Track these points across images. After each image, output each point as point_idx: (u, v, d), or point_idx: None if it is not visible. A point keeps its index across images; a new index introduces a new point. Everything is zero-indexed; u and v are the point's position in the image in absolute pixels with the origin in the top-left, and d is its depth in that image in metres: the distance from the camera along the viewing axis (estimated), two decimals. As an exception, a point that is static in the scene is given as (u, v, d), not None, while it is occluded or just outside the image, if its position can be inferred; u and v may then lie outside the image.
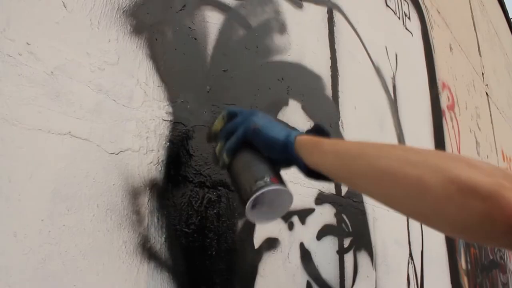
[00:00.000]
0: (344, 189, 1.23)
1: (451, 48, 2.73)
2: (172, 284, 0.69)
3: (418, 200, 0.46)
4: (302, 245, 1.01)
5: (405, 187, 0.47)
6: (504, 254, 3.30)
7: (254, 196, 0.57)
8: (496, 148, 3.57)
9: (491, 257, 2.90)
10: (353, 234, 1.23)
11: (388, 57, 1.73)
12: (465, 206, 0.42)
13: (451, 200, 0.43)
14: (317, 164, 0.58)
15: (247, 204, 0.58)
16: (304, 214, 1.04)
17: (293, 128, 0.64)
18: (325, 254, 1.09)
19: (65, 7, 0.61)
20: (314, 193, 1.09)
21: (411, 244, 1.64)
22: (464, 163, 0.44)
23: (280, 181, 0.60)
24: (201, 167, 0.78)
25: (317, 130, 0.62)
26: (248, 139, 0.63)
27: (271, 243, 0.92)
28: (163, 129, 0.73)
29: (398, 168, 0.47)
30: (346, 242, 1.20)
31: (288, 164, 0.63)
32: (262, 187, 0.57)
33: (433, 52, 2.31)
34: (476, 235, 0.43)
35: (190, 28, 0.82)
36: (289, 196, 0.61)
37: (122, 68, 0.68)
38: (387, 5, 1.83)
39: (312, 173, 0.60)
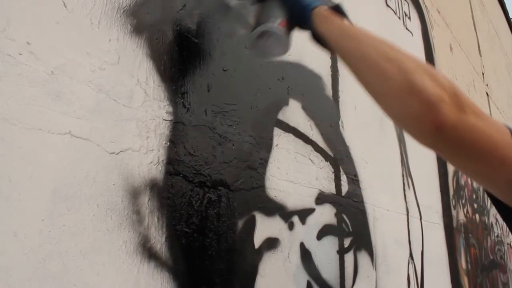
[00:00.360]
0: (344, 189, 1.23)
1: (451, 48, 2.72)
2: (172, 284, 0.69)
3: (378, 85, 0.59)
4: (302, 245, 1.01)
5: (373, 72, 0.59)
6: (504, 254, 3.30)
7: (258, 29, 0.67)
8: (496, 148, 3.56)
9: (491, 257, 2.90)
10: (353, 234, 1.23)
11: (388, 57, 1.73)
12: (406, 102, 0.54)
13: (399, 93, 0.55)
14: (324, 32, 0.69)
15: (249, 38, 0.68)
16: (304, 214, 1.04)
17: None
18: (325, 254, 1.09)
19: (66, 7, 0.61)
20: (315, 193, 1.09)
21: (411, 244, 1.64)
22: (428, 74, 0.54)
23: (287, 27, 0.70)
24: (201, 167, 0.78)
25: (337, 9, 0.71)
26: None
27: (271, 243, 0.92)
28: (163, 129, 0.73)
29: (375, 57, 0.59)
30: (346, 242, 1.20)
31: (302, 23, 0.73)
32: (269, 26, 0.67)
33: (433, 52, 2.31)
34: (408, 128, 0.56)
35: (190, 27, 0.82)
36: (286, 43, 0.72)
37: (122, 67, 0.68)
38: (387, 5, 1.83)
39: (316, 39, 0.72)
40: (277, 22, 0.68)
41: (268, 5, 0.71)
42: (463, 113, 0.53)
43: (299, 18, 0.72)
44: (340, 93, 1.30)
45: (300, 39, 1.15)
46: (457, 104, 0.53)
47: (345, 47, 0.66)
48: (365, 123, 1.43)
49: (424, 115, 0.52)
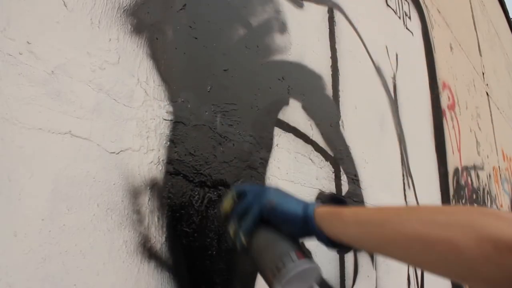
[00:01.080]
0: (344, 189, 1.23)
1: (451, 48, 2.72)
2: (172, 284, 0.69)
3: (453, 262, 0.44)
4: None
5: (437, 251, 0.45)
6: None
7: (286, 277, 0.54)
8: (496, 148, 3.57)
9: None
10: (354, 233, 1.23)
11: (389, 57, 1.73)
12: (504, 263, 0.41)
13: (488, 259, 0.41)
14: (340, 235, 0.56)
15: (281, 284, 0.55)
16: (304, 214, 1.04)
17: (308, 201, 0.62)
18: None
19: (66, 6, 0.61)
20: (315, 193, 1.09)
21: (412, 244, 1.63)
22: (493, 216, 0.43)
23: (305, 255, 0.57)
24: (202, 167, 0.78)
25: (334, 199, 0.61)
26: (264, 217, 0.61)
27: (272, 243, 0.92)
28: (164, 129, 0.73)
29: (427, 232, 0.46)
30: (347, 241, 1.19)
31: (308, 236, 0.60)
32: (291, 267, 0.55)
33: (433, 52, 2.31)
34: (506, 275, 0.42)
35: (190, 27, 0.82)
36: (316, 271, 0.58)
37: (122, 67, 0.68)
38: (387, 5, 1.83)
39: (335, 244, 0.58)
40: (294, 258, 0.56)
41: (268, 245, 0.59)
42: None
43: (302, 230, 0.60)
44: (341, 93, 1.30)
45: (301, 38, 1.15)
46: None
47: (378, 239, 0.52)
48: (365, 123, 1.43)
49: None
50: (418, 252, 0.47)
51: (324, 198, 0.60)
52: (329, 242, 0.58)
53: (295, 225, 0.59)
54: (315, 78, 1.19)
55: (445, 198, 2.08)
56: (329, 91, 1.26)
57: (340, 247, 0.59)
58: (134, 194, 0.66)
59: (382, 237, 0.51)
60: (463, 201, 2.42)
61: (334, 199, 0.59)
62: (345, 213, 0.56)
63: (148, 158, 0.69)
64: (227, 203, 0.66)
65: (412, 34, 2.07)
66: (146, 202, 0.67)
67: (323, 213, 0.58)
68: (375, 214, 0.53)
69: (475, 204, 2.70)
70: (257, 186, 0.64)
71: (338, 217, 0.56)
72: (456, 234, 0.43)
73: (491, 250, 0.41)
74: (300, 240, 0.62)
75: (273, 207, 0.60)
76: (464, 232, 0.43)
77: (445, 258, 0.44)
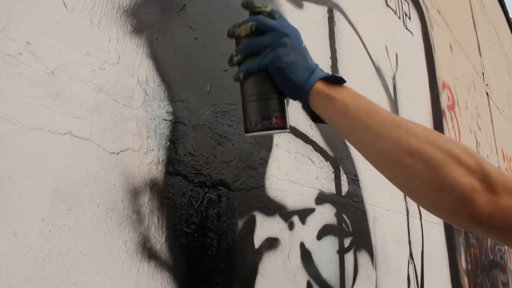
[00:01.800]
0: (344, 189, 1.23)
1: (451, 48, 2.72)
2: (172, 284, 0.69)
3: (403, 182, 0.56)
4: (302, 245, 1.01)
5: (395, 169, 0.56)
6: (504, 254, 3.30)
7: (257, 133, 0.64)
8: (496, 148, 3.57)
9: (491, 257, 2.90)
10: (354, 234, 1.23)
11: (389, 57, 1.73)
12: (439, 200, 0.52)
13: (429, 193, 0.53)
14: (326, 118, 0.62)
15: (247, 134, 0.66)
16: (304, 214, 1.04)
17: (315, 66, 0.65)
18: (325, 254, 1.09)
19: (66, 7, 0.61)
20: (315, 193, 1.09)
21: (411, 244, 1.64)
22: (455, 160, 0.51)
23: (283, 121, 0.64)
24: (201, 167, 0.78)
25: (336, 78, 0.63)
26: (268, 71, 0.64)
27: (272, 243, 0.92)
28: (164, 129, 0.73)
29: (395, 153, 0.54)
30: (347, 242, 1.20)
31: (297, 101, 0.65)
32: (266, 128, 0.63)
33: (433, 52, 2.31)
34: (444, 219, 0.56)
35: (190, 27, 0.82)
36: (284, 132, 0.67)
37: (122, 67, 0.68)
38: (387, 5, 1.83)
39: (316, 118, 0.64)
40: (273, 120, 0.64)
41: (259, 94, 0.65)
42: (497, 197, 0.50)
43: (294, 98, 0.65)
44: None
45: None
46: (489, 188, 0.50)
47: (357, 139, 0.60)
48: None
49: (459, 210, 0.51)
50: (382, 163, 0.58)
51: (328, 76, 0.63)
52: (312, 115, 0.64)
53: (291, 90, 0.63)
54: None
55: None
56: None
57: (320, 121, 0.65)
58: (134, 194, 0.66)
59: (361, 140, 0.59)
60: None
61: (336, 79, 0.63)
62: (337, 102, 0.60)
63: (148, 158, 0.69)
64: (244, 29, 0.66)
65: (412, 34, 2.07)
66: (146, 202, 0.67)
67: (319, 92, 0.61)
68: (363, 116, 0.58)
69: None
70: (279, 32, 0.64)
71: (331, 103, 0.60)
72: (417, 164, 0.53)
73: (436, 186, 0.52)
74: (287, 101, 0.67)
75: (281, 68, 0.62)
76: (424, 165, 0.52)
77: (401, 176, 0.56)
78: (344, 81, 0.63)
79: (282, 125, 0.64)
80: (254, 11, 0.67)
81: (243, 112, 0.66)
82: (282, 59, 0.62)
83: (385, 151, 0.56)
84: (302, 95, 0.62)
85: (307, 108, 0.63)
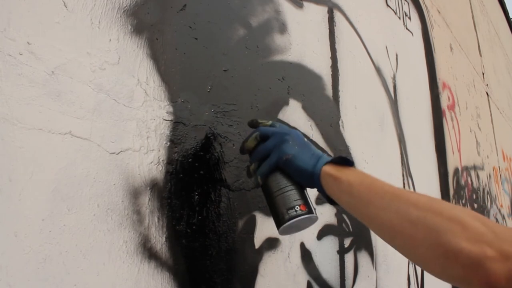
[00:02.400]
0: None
1: (451, 48, 2.73)
2: (172, 284, 0.69)
3: (410, 252, 0.56)
4: (302, 245, 1.01)
5: (400, 240, 0.56)
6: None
7: (286, 224, 0.68)
8: (496, 148, 3.58)
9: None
10: (354, 234, 1.23)
11: (389, 57, 1.73)
12: (447, 269, 0.50)
13: (436, 261, 0.51)
14: (335, 197, 0.67)
15: (279, 229, 0.70)
16: (304, 214, 1.04)
17: (321, 154, 0.71)
18: (325, 254, 1.09)
19: (66, 7, 0.61)
20: (315, 193, 1.09)
21: (412, 244, 1.63)
22: (460, 226, 0.50)
23: (308, 207, 0.70)
24: (202, 167, 0.78)
25: (343, 160, 0.68)
26: (279, 166, 0.72)
27: (272, 243, 0.92)
28: (164, 129, 0.73)
29: (397, 224, 0.56)
30: (347, 242, 1.20)
31: (313, 187, 0.71)
32: (293, 216, 0.68)
33: (433, 52, 2.31)
34: (460, 285, 0.50)
35: (190, 27, 0.82)
36: (314, 219, 0.72)
37: (122, 67, 0.68)
38: (387, 5, 1.83)
39: (331, 200, 0.69)
40: (297, 208, 0.69)
41: (278, 190, 0.71)
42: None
43: (309, 185, 0.71)
44: (340, 93, 1.30)
45: (300, 39, 1.15)
46: (503, 253, 0.47)
47: (361, 215, 0.63)
48: (365, 123, 1.43)
49: (471, 278, 0.48)
50: (387, 235, 0.60)
51: (335, 158, 0.68)
52: (327, 198, 0.70)
53: (304, 177, 0.70)
54: (315, 78, 1.19)
55: (445, 198, 2.08)
56: (329, 91, 1.26)
57: (335, 204, 0.70)
58: (134, 194, 0.66)
59: (364, 214, 0.62)
60: (463, 201, 2.42)
61: (344, 160, 0.68)
62: (343, 182, 0.65)
63: (148, 158, 0.69)
64: (251, 141, 0.75)
65: (412, 34, 2.07)
66: (146, 202, 0.67)
67: (327, 174, 0.67)
68: (365, 192, 0.62)
69: (475, 205, 2.70)
70: (280, 133, 0.73)
71: (337, 183, 0.66)
72: (418, 233, 0.53)
73: (440, 254, 0.50)
74: (308, 188, 0.73)
75: (289, 160, 0.70)
76: (426, 232, 0.52)
77: (405, 246, 0.56)
78: (352, 163, 0.68)
79: (307, 210, 0.69)
80: (247, 147, 0.76)
81: (272, 212, 0.72)
82: (287, 151, 0.70)
83: (388, 223, 0.57)
84: (314, 180, 0.68)
85: (322, 191, 0.69)
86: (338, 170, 0.67)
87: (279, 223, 0.70)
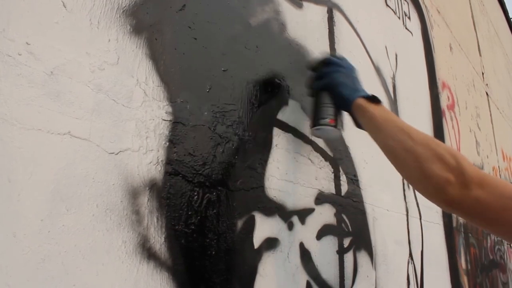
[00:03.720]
0: (344, 189, 1.23)
1: (451, 48, 2.73)
2: (171, 284, 0.69)
3: (403, 172, 0.79)
4: (301, 245, 1.01)
5: (398, 161, 0.78)
6: (504, 254, 3.30)
7: (314, 127, 0.97)
8: (496, 148, 3.58)
9: (491, 257, 2.90)
10: (353, 234, 1.23)
11: (388, 57, 1.73)
12: (425, 187, 0.74)
13: (419, 180, 0.74)
14: (360, 123, 0.89)
15: (311, 130, 1.01)
16: (304, 214, 1.04)
17: (361, 89, 0.92)
18: (324, 254, 1.10)
19: (65, 7, 0.61)
20: (314, 193, 1.09)
21: (411, 243, 1.64)
22: (437, 158, 0.71)
23: (336, 123, 0.95)
24: (201, 167, 0.78)
25: (373, 99, 0.87)
26: (328, 88, 0.94)
27: (271, 243, 0.92)
28: (163, 129, 0.73)
29: (397, 150, 0.77)
30: (346, 242, 1.20)
31: (346, 111, 0.93)
32: (321, 124, 0.95)
33: (433, 52, 2.31)
34: (432, 202, 0.74)
35: (190, 27, 0.82)
36: (336, 132, 0.99)
37: (121, 68, 0.68)
38: (387, 5, 1.83)
39: (358, 126, 0.92)
40: (327, 120, 0.93)
41: (321, 103, 0.95)
42: (468, 190, 0.67)
43: (343, 108, 0.92)
44: (340, 93, 1.30)
45: (300, 39, 1.15)
46: (462, 182, 0.67)
47: (376, 139, 0.84)
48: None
49: (438, 195, 0.71)
50: (390, 157, 0.80)
51: (369, 95, 0.90)
52: (355, 122, 0.93)
53: (342, 102, 0.91)
54: (315, 78, 1.19)
55: (445, 198, 2.08)
56: (329, 91, 1.25)
57: (360, 127, 0.91)
58: (133, 194, 0.66)
59: (378, 139, 0.83)
60: (463, 201, 2.41)
61: (374, 99, 0.87)
62: (368, 112, 0.84)
63: (147, 158, 0.69)
64: (318, 63, 1.01)
65: (412, 34, 2.07)
66: (145, 202, 0.67)
67: (358, 105, 0.87)
68: (382, 123, 0.81)
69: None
70: (338, 64, 0.96)
71: (363, 114, 0.86)
72: (409, 158, 0.74)
73: (421, 175, 0.72)
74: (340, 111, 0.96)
75: (336, 85, 0.92)
76: (414, 159, 0.73)
77: (401, 166, 0.78)
78: (380, 101, 0.86)
79: (334, 124, 0.94)
80: (312, 66, 1.04)
81: (312, 115, 0.99)
82: (336, 79, 0.92)
83: (391, 148, 0.78)
84: (347, 106, 0.89)
85: (352, 116, 0.91)
86: (368, 103, 0.85)
87: (312, 125, 0.98)
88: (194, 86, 0.80)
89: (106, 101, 0.64)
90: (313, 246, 1.05)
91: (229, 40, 0.91)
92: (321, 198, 1.11)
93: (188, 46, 0.81)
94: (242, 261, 0.84)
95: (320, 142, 1.15)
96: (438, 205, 0.74)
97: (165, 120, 0.73)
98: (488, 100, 3.67)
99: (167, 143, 0.73)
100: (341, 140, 1.26)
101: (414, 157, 0.73)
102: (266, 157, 0.95)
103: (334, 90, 0.92)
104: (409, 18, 2.06)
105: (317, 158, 1.13)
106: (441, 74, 2.38)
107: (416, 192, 1.75)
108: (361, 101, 0.86)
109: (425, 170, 0.71)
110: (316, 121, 0.95)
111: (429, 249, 1.79)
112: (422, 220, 1.78)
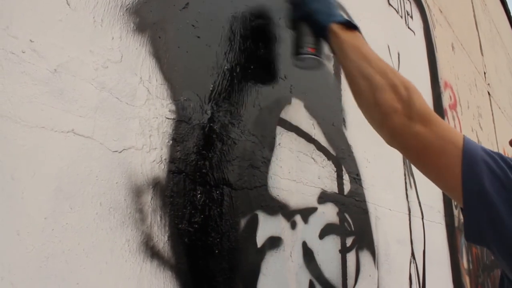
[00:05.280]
0: (346, 188, 1.22)
1: (453, 47, 2.72)
2: (175, 283, 0.68)
3: (357, 96, 0.79)
4: (304, 244, 1.01)
5: (355, 87, 0.79)
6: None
7: (294, 56, 0.92)
8: (498, 148, 3.57)
9: (493, 257, 2.90)
10: (356, 233, 1.23)
11: (391, 56, 1.73)
12: (373, 114, 0.75)
13: (369, 106, 0.75)
14: (333, 49, 0.86)
15: (292, 60, 0.95)
16: (306, 213, 1.04)
17: (336, 14, 0.88)
18: (327, 253, 1.09)
19: (69, 5, 0.61)
20: (317, 192, 1.09)
21: (413, 243, 1.63)
22: (391, 88, 0.72)
23: (317, 51, 0.91)
24: (204, 166, 0.78)
25: (348, 24, 0.84)
26: (304, 18, 0.91)
27: (274, 242, 0.92)
28: (166, 127, 0.73)
29: (356, 75, 0.77)
30: (349, 241, 1.19)
31: (322, 37, 0.89)
32: (301, 53, 0.91)
33: (435, 51, 2.30)
34: (376, 130, 0.77)
35: (193, 26, 0.82)
36: (317, 61, 0.93)
37: (125, 66, 0.67)
38: (389, 4, 1.82)
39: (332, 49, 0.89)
40: (306, 48, 0.90)
41: (300, 33, 0.92)
42: (411, 121, 0.68)
43: (320, 35, 0.89)
44: (343, 92, 1.30)
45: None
46: (408, 114, 0.69)
47: (342, 65, 0.83)
48: (367, 122, 1.42)
49: (382, 123, 0.73)
50: (349, 81, 0.80)
51: (344, 21, 0.86)
52: (331, 48, 0.88)
53: (318, 29, 0.88)
54: (317, 77, 1.19)
55: (447, 197, 2.08)
56: (331, 90, 1.25)
57: (333, 52, 0.88)
58: (137, 192, 0.66)
59: (343, 65, 0.82)
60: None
61: (350, 24, 0.84)
62: (339, 38, 0.82)
63: (150, 156, 0.69)
64: None
65: (414, 34, 2.07)
66: (149, 200, 0.67)
67: (332, 31, 0.84)
68: (349, 49, 0.80)
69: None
70: None
71: (335, 40, 0.83)
72: (365, 85, 0.75)
73: (373, 102, 0.73)
74: (319, 36, 0.90)
75: (311, 13, 0.88)
76: (370, 86, 0.74)
77: (357, 90, 0.78)
78: (357, 28, 0.83)
79: (315, 53, 0.91)
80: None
81: (292, 43, 0.94)
82: (310, 6, 0.88)
83: (351, 73, 0.78)
84: (324, 32, 0.86)
85: (328, 43, 0.87)
86: (342, 30, 0.83)
87: (296, 52, 0.92)
88: (197, 84, 0.80)
89: (109, 99, 0.64)
90: (315, 245, 1.05)
91: (232, 39, 0.91)
92: (323, 197, 1.11)
93: (191, 44, 0.80)
94: (245, 260, 0.83)
95: (323, 141, 1.15)
96: (382, 135, 0.75)
97: (168, 119, 0.73)
98: (490, 99, 3.66)
99: (171, 142, 0.73)
100: (344, 139, 1.26)
101: (369, 84, 0.73)
102: (269, 156, 0.95)
103: (310, 18, 0.88)
104: (411, 17, 2.06)
105: (319, 157, 1.13)
106: (443, 73, 2.38)
107: (418, 191, 1.75)
108: (335, 27, 0.84)
109: (377, 98, 0.72)
110: (295, 51, 0.92)
111: (431, 248, 1.79)
112: (424, 220, 1.78)
